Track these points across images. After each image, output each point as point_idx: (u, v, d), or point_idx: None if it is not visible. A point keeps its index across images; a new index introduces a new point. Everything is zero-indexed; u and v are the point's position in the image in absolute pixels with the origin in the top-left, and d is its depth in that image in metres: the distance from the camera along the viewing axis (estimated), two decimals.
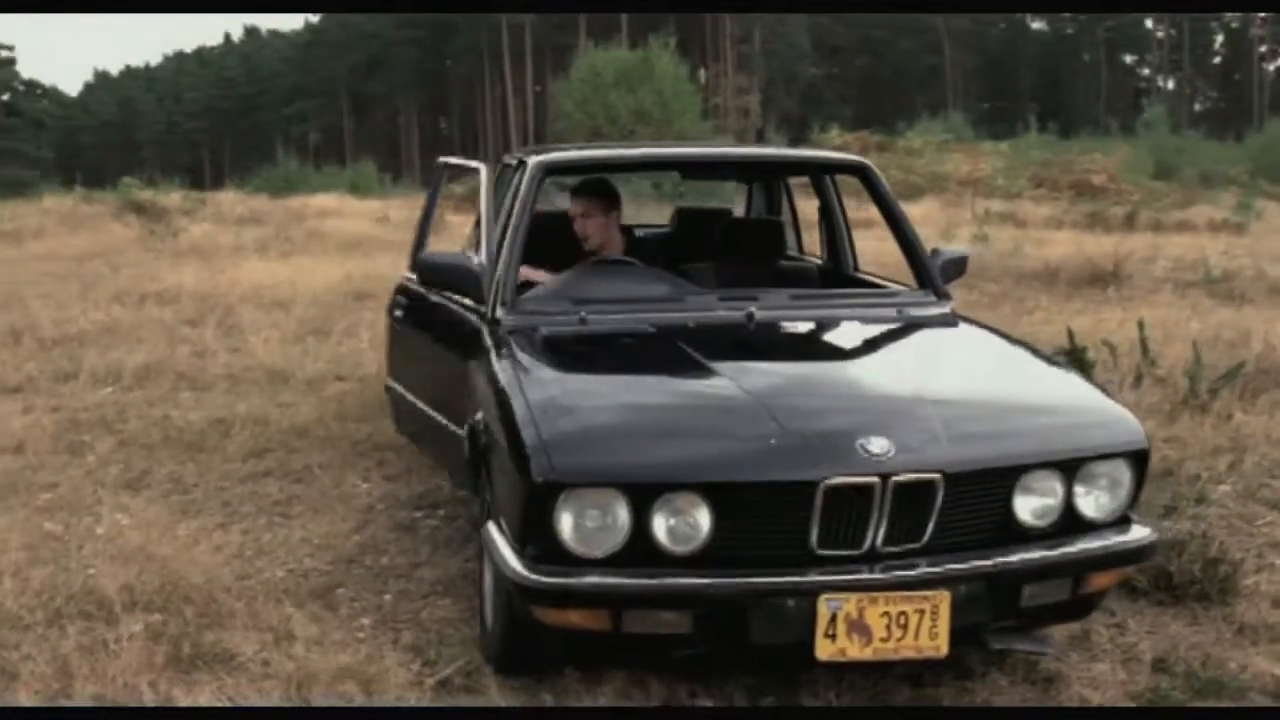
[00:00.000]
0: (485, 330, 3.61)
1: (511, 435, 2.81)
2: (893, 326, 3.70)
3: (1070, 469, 2.84)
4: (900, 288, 4.19)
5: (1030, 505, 2.81)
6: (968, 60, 77.23)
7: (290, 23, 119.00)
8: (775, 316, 3.66)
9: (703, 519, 2.64)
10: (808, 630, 2.63)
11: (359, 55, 77.00)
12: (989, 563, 2.74)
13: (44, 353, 7.78)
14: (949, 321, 3.79)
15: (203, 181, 52.80)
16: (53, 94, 78.51)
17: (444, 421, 4.03)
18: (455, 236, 11.24)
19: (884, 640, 2.64)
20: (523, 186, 3.94)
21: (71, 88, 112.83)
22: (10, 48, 57.88)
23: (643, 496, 2.63)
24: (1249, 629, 3.43)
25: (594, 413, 2.90)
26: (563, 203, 4.81)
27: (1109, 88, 75.70)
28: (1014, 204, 20.39)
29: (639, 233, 4.88)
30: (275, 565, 4.00)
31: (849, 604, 2.62)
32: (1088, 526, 2.88)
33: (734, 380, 3.00)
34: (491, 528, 2.96)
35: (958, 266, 4.08)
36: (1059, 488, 2.83)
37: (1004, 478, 2.77)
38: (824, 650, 2.64)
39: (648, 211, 11.62)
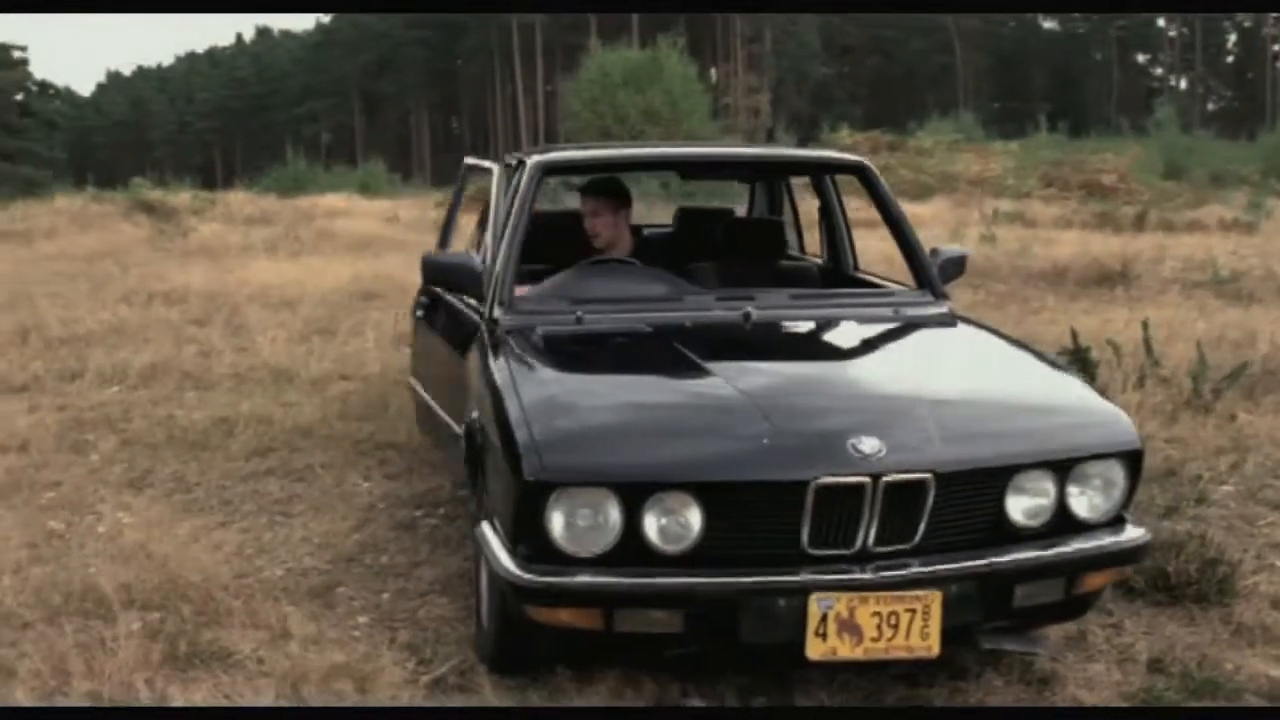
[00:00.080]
0: (484, 329, 3.62)
1: (504, 434, 2.82)
2: (889, 326, 3.69)
3: (1063, 469, 2.83)
4: (899, 288, 4.19)
5: (1022, 505, 2.81)
6: (979, 60, 77.09)
7: (302, 23, 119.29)
8: (772, 316, 3.66)
9: (694, 518, 2.65)
10: (799, 630, 2.63)
11: (370, 55, 77.15)
12: (981, 563, 2.73)
13: (50, 352, 7.82)
14: (947, 321, 3.78)
15: (214, 181, 52.92)
16: (65, 94, 78.80)
17: (448, 420, 4.05)
18: (462, 236, 11.24)
19: (875, 640, 2.64)
20: (521, 186, 3.96)
21: (84, 88, 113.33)
22: (23, 48, 57.98)
23: (634, 496, 2.64)
24: (1246, 630, 3.42)
25: (586, 412, 2.90)
26: (573, 202, 4.82)
27: (1121, 87, 75.41)
28: (1023, 204, 20.31)
29: (645, 232, 4.90)
30: (274, 564, 4.02)
31: (840, 603, 2.62)
32: (1081, 527, 2.87)
33: (728, 380, 3.01)
34: (485, 527, 2.97)
35: (957, 266, 4.07)
36: (1051, 488, 2.83)
37: (996, 478, 2.77)
38: (815, 650, 2.64)
39: (657, 211, 11.62)
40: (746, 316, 3.59)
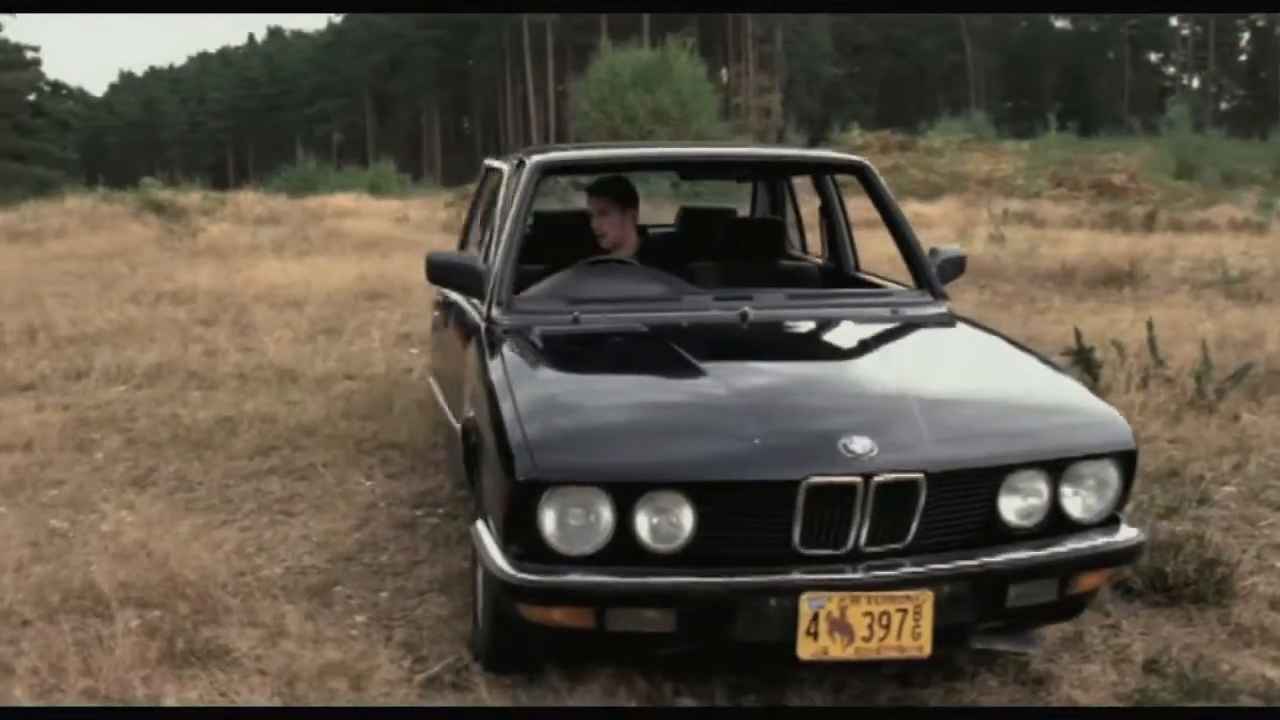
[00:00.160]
0: (483, 329, 3.63)
1: (498, 433, 2.83)
2: (886, 326, 3.68)
3: (1056, 469, 2.83)
4: (898, 288, 4.18)
5: (1015, 505, 2.80)
6: (990, 59, 76.87)
7: (313, 23, 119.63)
8: (769, 316, 3.65)
9: (685, 518, 2.65)
10: (790, 629, 2.63)
11: (381, 55, 77.31)
12: (973, 563, 2.73)
13: (58, 351, 7.85)
14: (945, 321, 3.78)
15: (226, 181, 52.97)
16: (78, 95, 79.22)
17: (450, 418, 4.07)
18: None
19: (866, 640, 2.64)
20: (520, 186, 3.96)
21: (97, 88, 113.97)
22: (36, 49, 58.35)
23: (625, 495, 2.64)
24: (1243, 630, 3.41)
25: (579, 412, 2.91)
26: (583, 202, 4.84)
27: (1133, 86, 75.18)
28: (1033, 204, 20.25)
29: (650, 232, 4.91)
30: (274, 562, 4.03)
31: (831, 603, 2.62)
32: (1075, 527, 2.87)
33: (721, 380, 3.01)
34: (480, 525, 2.98)
35: (955, 266, 4.07)
36: (1045, 488, 2.82)
37: (988, 478, 2.77)
38: (806, 649, 2.64)
39: (664, 211, 11.61)
40: (743, 316, 3.59)
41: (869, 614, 2.63)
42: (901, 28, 75.50)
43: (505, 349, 3.32)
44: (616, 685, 2.99)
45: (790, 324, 3.71)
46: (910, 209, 17.32)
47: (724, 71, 63.87)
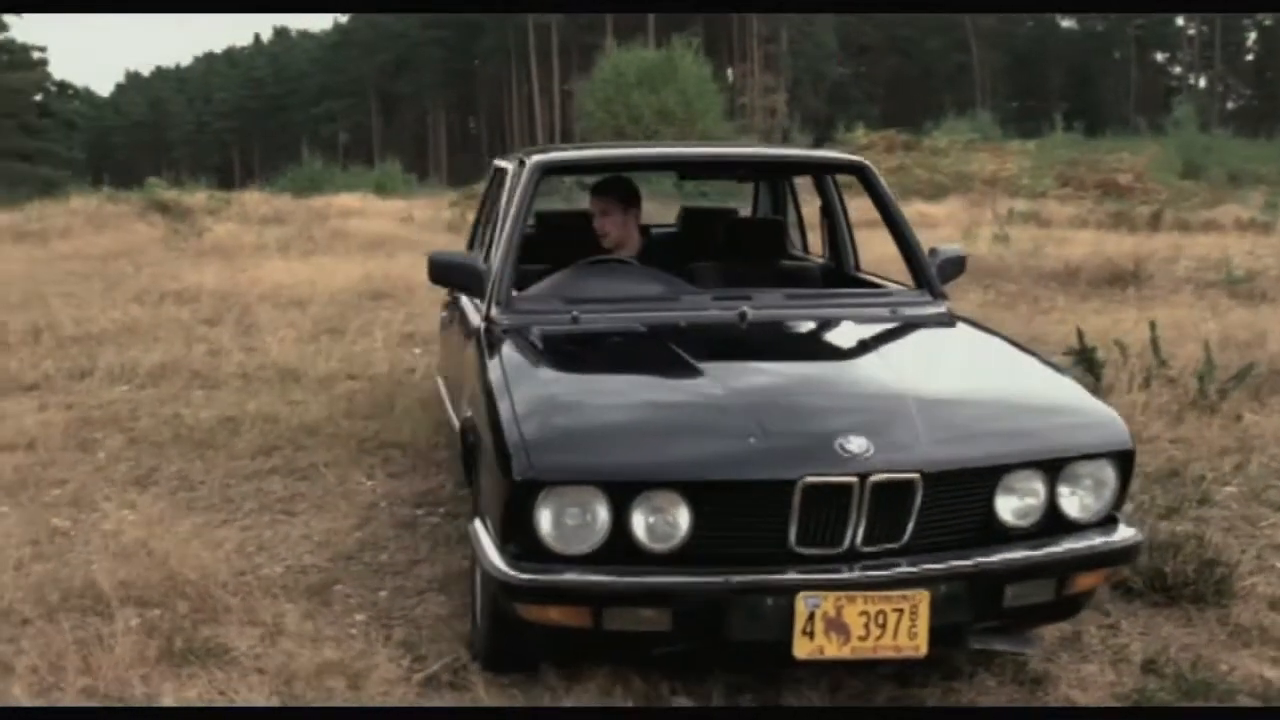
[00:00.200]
0: (482, 328, 3.64)
1: (495, 433, 2.83)
2: (885, 326, 3.68)
3: (1053, 469, 2.83)
4: (898, 287, 4.18)
5: (1012, 505, 2.80)
6: (996, 59, 76.78)
7: (319, 23, 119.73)
8: (768, 316, 3.65)
9: (681, 517, 2.65)
10: (786, 628, 2.63)
11: (387, 55, 77.40)
12: (969, 563, 2.73)
13: (62, 351, 7.87)
14: (944, 321, 3.78)
15: (232, 181, 53.05)
16: (84, 95, 79.37)
17: (451, 417, 4.08)
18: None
19: (862, 639, 2.64)
20: (520, 186, 3.97)
21: (103, 89, 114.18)
22: (42, 49, 58.49)
23: (622, 494, 2.64)
24: (1242, 631, 3.41)
25: (576, 411, 2.92)
26: (587, 202, 4.85)
27: (1139, 86, 75.01)
28: (1039, 203, 20.23)
29: (652, 232, 4.91)
30: (274, 561, 4.04)
31: (827, 602, 2.62)
32: (1072, 527, 2.87)
33: (719, 380, 3.01)
34: (478, 524, 2.98)
35: (955, 266, 4.06)
36: (1041, 488, 2.82)
37: (984, 478, 2.76)
38: (802, 648, 2.64)
39: (670, 211, 11.62)
40: (742, 316, 3.59)
41: (865, 613, 2.63)
42: (907, 28, 75.43)
43: (504, 348, 3.33)
44: (613, 685, 3.00)
45: (789, 324, 3.71)
46: (915, 209, 17.34)
47: (729, 71, 63.82)
